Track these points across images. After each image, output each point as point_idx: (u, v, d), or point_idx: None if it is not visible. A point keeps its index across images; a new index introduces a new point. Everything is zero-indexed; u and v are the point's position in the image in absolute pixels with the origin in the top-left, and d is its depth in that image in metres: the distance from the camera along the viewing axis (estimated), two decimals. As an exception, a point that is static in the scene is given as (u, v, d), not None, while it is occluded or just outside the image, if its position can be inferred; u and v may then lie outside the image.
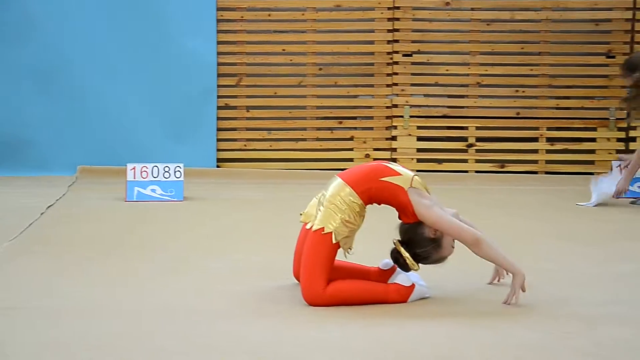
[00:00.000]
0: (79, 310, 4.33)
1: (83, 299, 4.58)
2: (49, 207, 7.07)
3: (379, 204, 3.99)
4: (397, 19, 9.09)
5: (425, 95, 8.60)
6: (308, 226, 4.01)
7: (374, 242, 5.09)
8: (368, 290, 3.96)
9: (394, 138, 9.11)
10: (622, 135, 8.81)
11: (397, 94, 9.03)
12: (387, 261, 4.08)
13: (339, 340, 3.67)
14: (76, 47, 8.99)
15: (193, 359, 3.67)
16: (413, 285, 3.97)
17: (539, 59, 9.01)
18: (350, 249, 3.96)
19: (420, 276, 4.09)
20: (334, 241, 3.83)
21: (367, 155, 9.06)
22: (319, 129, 9.18)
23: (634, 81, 7.28)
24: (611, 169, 7.62)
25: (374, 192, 3.89)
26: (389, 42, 8.43)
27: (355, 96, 9.04)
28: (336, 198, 3.91)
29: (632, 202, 7.47)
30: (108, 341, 3.84)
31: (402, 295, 3.97)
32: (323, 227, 3.84)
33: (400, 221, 3.96)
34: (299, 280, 4.03)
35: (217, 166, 9.03)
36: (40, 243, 5.91)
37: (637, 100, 7.39)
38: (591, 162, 8.84)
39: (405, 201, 3.81)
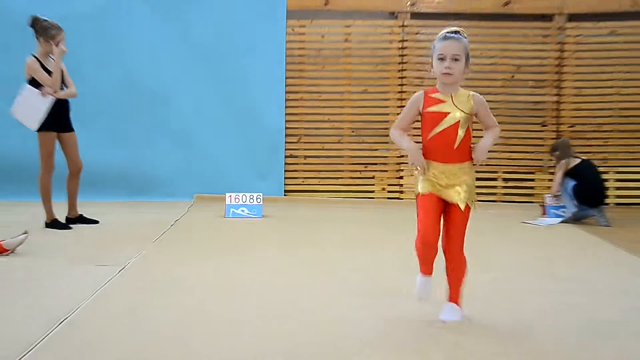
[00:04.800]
0: (200, 286, 4.91)
1: (201, 277, 5.19)
2: (176, 220, 7.96)
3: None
4: (404, 91, 9.88)
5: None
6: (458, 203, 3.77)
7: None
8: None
9: (401, 177, 10.14)
10: (551, 177, 9.32)
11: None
12: None
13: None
14: (186, 104, 9.79)
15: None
16: None
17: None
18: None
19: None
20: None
21: (383, 189, 10.06)
22: (352, 171, 10.16)
23: (554, 157, 8.61)
24: (544, 201, 8.64)
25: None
26: (398, 113, 8.47)
27: (376, 149, 10.09)
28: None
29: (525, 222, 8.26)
30: (223, 309, 4.32)
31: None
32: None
33: None
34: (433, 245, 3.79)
35: (285, 195, 10.05)
36: (172, 243, 6.63)
37: (556, 162, 8.50)
38: (532, 195, 9.90)
39: None
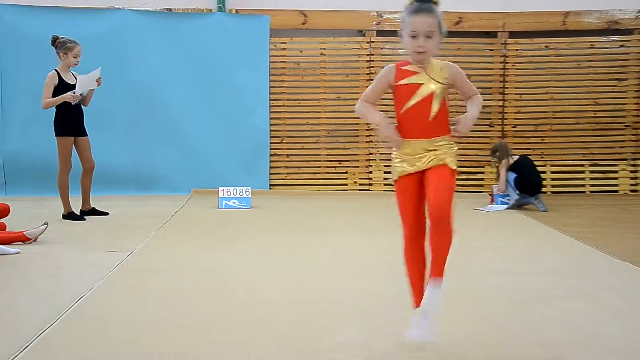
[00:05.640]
0: (198, 267, 4.92)
1: (198, 260, 5.20)
2: (176, 212, 7.93)
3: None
4: None
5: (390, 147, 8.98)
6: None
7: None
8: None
9: (370, 172, 10.09)
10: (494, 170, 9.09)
11: (373, 147, 10.01)
12: None
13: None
14: (184, 111, 9.68)
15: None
16: None
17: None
18: None
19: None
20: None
21: (355, 182, 10.02)
22: (327, 167, 10.16)
23: (495, 157, 8.63)
24: (492, 191, 8.66)
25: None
26: None
27: (348, 148, 10.10)
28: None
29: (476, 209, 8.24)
30: (217, 288, 4.33)
31: None
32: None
33: None
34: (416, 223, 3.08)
35: (270, 188, 9.97)
36: (172, 231, 6.62)
37: (498, 162, 8.54)
38: (481, 185, 9.93)
39: None
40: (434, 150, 3.09)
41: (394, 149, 3.15)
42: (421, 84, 3.10)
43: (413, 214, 3.12)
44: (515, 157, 8.53)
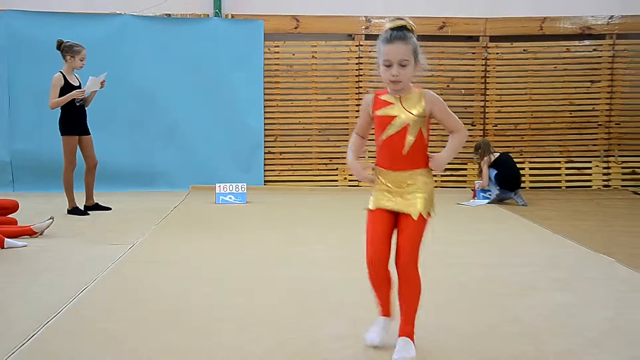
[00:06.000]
0: (197, 259, 4.94)
1: (196, 252, 5.21)
2: (175, 207, 7.89)
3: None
4: (361, 99, 9.31)
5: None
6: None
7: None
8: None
9: None
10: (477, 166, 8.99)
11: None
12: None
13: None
14: (183, 112, 9.60)
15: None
16: None
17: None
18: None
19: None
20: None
21: (345, 178, 9.99)
22: (319, 164, 10.10)
23: (478, 154, 8.57)
24: (474, 186, 8.67)
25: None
26: (356, 117, 8.18)
27: (339, 146, 9.94)
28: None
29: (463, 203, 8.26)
30: (215, 277, 4.35)
31: None
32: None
33: None
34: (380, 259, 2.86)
35: (264, 184, 9.90)
36: (172, 225, 6.62)
37: (480, 158, 8.50)
38: (464, 181, 9.97)
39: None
40: (410, 184, 2.88)
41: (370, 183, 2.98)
42: (395, 116, 2.87)
43: (380, 243, 2.89)
44: (497, 154, 8.53)
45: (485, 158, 8.47)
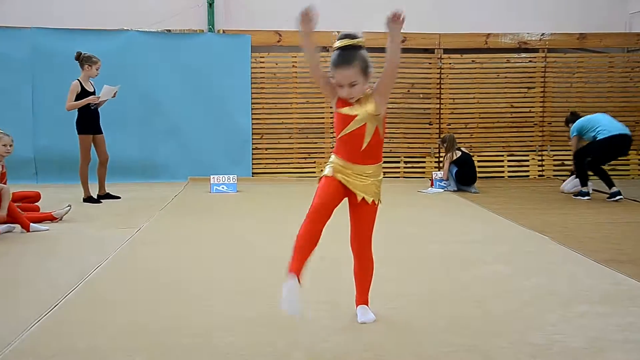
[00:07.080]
0: (195, 239, 4.95)
1: (195, 235, 5.14)
2: (175, 196, 7.78)
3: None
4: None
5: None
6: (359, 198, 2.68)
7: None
8: None
9: None
10: (435, 159, 9.75)
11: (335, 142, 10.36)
12: None
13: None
14: (181, 113, 9.43)
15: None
16: None
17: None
18: None
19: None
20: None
21: (322, 170, 9.15)
22: (299, 158, 9.93)
23: (443, 147, 8.49)
24: (432, 176, 8.47)
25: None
26: (331, 118, 7.76)
27: (316, 143, 9.88)
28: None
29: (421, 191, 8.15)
30: (212, 257, 4.20)
31: None
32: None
33: None
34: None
35: (252, 176, 9.74)
36: (173, 211, 6.52)
37: (445, 152, 8.36)
38: (423, 172, 9.89)
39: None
40: (364, 177, 2.70)
41: (302, 23, 2.63)
42: (355, 116, 2.67)
43: (329, 201, 2.67)
44: (459, 154, 8.29)
45: (449, 154, 8.25)
